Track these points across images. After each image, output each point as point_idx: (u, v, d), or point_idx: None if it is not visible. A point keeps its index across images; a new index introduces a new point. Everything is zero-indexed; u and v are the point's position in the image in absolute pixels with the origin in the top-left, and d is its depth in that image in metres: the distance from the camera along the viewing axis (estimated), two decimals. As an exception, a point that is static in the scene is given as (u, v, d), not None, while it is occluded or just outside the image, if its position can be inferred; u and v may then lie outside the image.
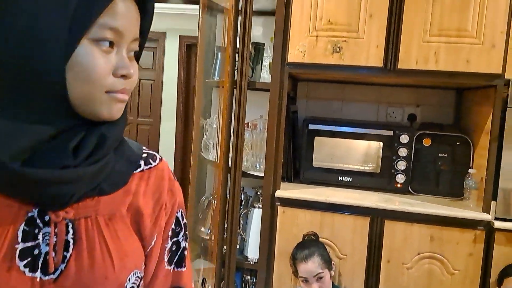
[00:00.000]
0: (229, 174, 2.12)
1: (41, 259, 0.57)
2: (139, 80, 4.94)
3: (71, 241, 0.58)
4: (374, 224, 1.91)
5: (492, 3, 1.78)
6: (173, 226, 0.72)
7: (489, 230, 1.81)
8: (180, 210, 0.74)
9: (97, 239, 0.60)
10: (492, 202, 1.82)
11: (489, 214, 1.81)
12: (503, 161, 1.80)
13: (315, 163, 2.19)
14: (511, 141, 1.78)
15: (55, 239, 0.57)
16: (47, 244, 0.57)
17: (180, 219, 0.74)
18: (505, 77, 1.80)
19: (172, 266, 0.72)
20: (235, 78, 2.05)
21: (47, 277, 0.56)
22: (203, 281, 2.41)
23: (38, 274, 0.56)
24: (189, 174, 2.53)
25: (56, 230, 0.57)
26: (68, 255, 0.58)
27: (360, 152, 2.17)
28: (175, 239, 0.73)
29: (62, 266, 0.57)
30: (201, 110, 2.51)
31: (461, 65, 1.81)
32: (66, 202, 0.57)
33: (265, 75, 2.19)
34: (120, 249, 0.61)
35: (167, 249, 0.71)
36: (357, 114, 2.40)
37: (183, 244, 0.74)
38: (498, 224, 1.79)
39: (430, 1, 1.82)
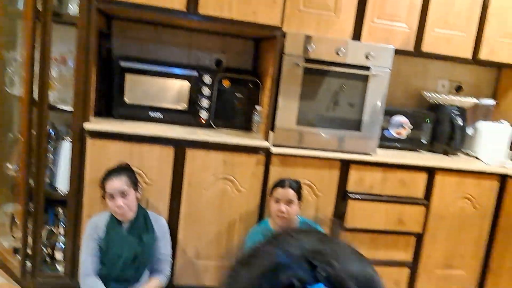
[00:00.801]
0: (34, 108, 2.09)
1: None
2: None
3: None
4: (177, 153, 2.18)
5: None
6: None
7: (268, 155, 2.26)
8: None
9: None
10: (270, 132, 2.26)
11: (268, 142, 2.25)
12: (280, 99, 2.23)
13: (127, 100, 2.32)
14: (286, 83, 2.21)
15: None
16: None
17: None
18: (283, 29, 2.20)
19: None
20: (39, 8, 1.99)
21: None
22: (12, 220, 2.37)
23: None
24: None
25: None
26: None
27: (170, 91, 2.38)
28: None
29: None
30: (3, 42, 2.34)
31: (250, 15, 2.13)
32: None
33: (75, 8, 2.16)
34: None
35: None
36: (170, 56, 2.58)
37: None
38: (274, 150, 2.24)
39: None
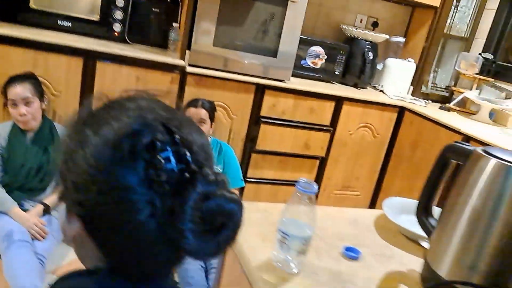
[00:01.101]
0: None
1: None
2: None
3: None
4: (87, 65, 2.11)
5: None
6: None
7: (183, 74, 2.26)
8: None
9: None
10: (187, 51, 2.24)
11: (184, 61, 2.24)
12: (197, 18, 2.19)
13: (33, 5, 2.15)
14: (204, 2, 2.17)
15: None
16: None
17: None
18: None
19: None
20: None
21: None
22: None
23: None
24: None
25: None
26: None
27: (85, 1, 2.23)
28: None
29: None
30: None
31: None
32: None
33: None
34: None
35: None
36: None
37: None
38: (189, 69, 2.24)
39: None
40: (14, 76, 1.87)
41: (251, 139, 2.48)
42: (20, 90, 1.83)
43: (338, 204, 2.83)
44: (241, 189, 2.39)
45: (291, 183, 2.63)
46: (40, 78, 2.01)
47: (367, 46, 2.74)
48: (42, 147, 1.94)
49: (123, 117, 0.50)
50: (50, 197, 2.01)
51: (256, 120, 2.45)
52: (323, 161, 2.67)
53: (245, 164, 2.51)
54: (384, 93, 2.82)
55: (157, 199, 0.46)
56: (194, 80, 2.28)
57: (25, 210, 1.91)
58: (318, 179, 2.70)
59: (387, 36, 2.81)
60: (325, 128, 2.58)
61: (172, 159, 0.46)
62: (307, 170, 2.66)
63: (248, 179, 2.53)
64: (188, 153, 0.47)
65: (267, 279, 0.73)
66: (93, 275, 0.52)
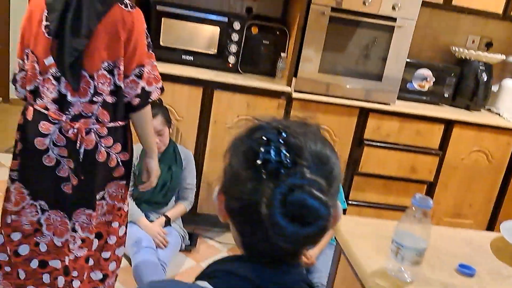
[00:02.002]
0: None
1: None
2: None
3: None
4: (205, 93, 2.37)
5: None
6: None
7: (289, 99, 2.40)
8: None
9: None
10: (293, 78, 2.39)
11: (290, 87, 2.39)
12: (304, 47, 2.33)
13: (162, 43, 2.49)
14: (311, 31, 2.31)
15: None
16: None
17: None
18: (312, -20, 2.26)
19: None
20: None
21: None
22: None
23: None
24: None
25: None
26: None
27: (202, 36, 2.53)
28: None
29: None
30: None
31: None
32: None
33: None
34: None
35: None
36: (205, 2, 2.70)
37: None
38: (295, 95, 2.38)
39: None
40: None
41: (353, 161, 2.50)
42: (155, 124, 2.06)
43: (448, 233, 2.68)
44: (343, 211, 2.41)
45: (396, 208, 2.58)
46: (167, 106, 2.31)
47: (481, 68, 2.61)
48: (167, 165, 2.21)
49: (252, 125, 0.65)
50: (171, 210, 2.27)
51: (359, 142, 2.48)
52: (431, 186, 2.57)
53: (347, 186, 2.53)
54: (500, 116, 2.64)
55: (257, 181, 0.57)
56: (299, 105, 2.40)
57: (150, 221, 2.19)
58: (426, 205, 2.59)
59: (503, 57, 2.65)
60: (433, 151, 2.50)
61: (272, 152, 0.57)
62: (413, 194, 2.57)
63: (350, 202, 2.54)
64: (284, 151, 0.57)
65: (382, 285, 0.78)
66: (238, 260, 0.64)
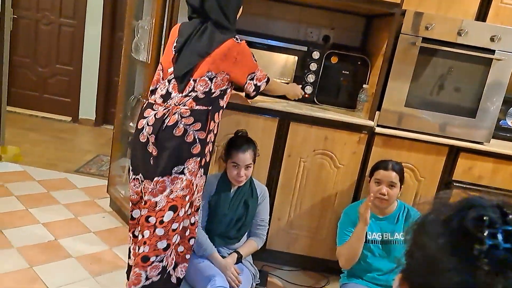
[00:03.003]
0: (158, 74, 2.29)
1: None
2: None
3: None
4: (281, 125, 2.26)
5: None
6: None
7: (371, 134, 2.24)
8: None
9: None
10: (377, 112, 2.23)
11: (373, 121, 2.23)
12: (390, 79, 2.18)
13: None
14: (399, 63, 2.16)
15: None
16: None
17: None
18: (403, 7, 2.12)
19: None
20: (168, -19, 2.16)
21: None
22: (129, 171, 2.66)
23: None
24: (116, 77, 2.62)
25: None
26: None
27: (279, 65, 2.45)
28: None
29: None
30: (133, 11, 2.58)
31: (367, -9, 2.09)
32: None
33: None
34: None
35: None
36: (280, 31, 2.64)
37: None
38: (378, 130, 2.22)
39: None
40: (241, 141, 2.06)
41: (440, 204, 2.28)
42: (246, 158, 2.02)
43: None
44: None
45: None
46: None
47: None
48: (243, 200, 2.10)
49: (465, 199, 0.53)
50: (243, 247, 2.15)
51: (447, 184, 2.26)
52: (529, 237, 2.28)
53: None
54: None
55: (470, 272, 0.44)
56: (382, 140, 2.24)
57: (222, 257, 2.07)
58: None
59: None
60: (533, 198, 2.23)
61: (500, 236, 0.45)
62: None
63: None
64: None
65: None
66: None
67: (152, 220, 1.71)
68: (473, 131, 2.21)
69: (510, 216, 0.47)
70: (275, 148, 2.29)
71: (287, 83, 2.40)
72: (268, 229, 2.30)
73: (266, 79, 1.97)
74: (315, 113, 2.24)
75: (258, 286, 2.20)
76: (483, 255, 0.45)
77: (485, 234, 0.46)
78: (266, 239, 2.33)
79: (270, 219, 2.31)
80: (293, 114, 2.24)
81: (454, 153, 2.23)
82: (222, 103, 1.87)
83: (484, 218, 0.47)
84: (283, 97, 2.40)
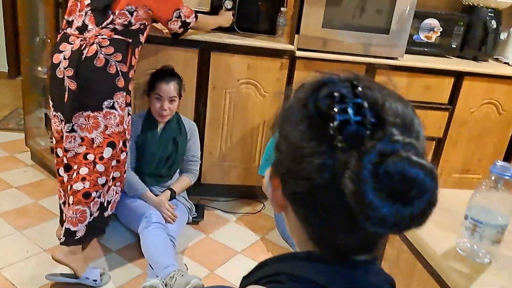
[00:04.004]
0: (60, 10, 2.09)
1: None
2: None
3: None
4: (202, 56, 2.19)
5: None
6: None
7: (292, 58, 2.24)
8: None
9: None
10: (296, 35, 2.21)
11: (293, 45, 2.22)
12: (305, 1, 2.14)
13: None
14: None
15: None
16: None
17: None
18: None
19: None
20: None
21: None
22: (46, 121, 2.49)
23: None
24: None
25: None
26: None
27: (193, -7, 2.31)
28: None
29: None
30: None
31: None
32: None
33: None
34: None
35: None
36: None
37: None
38: (299, 53, 2.22)
39: None
40: (165, 72, 2.00)
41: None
42: (170, 89, 1.96)
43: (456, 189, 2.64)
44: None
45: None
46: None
47: (489, 14, 2.47)
48: (171, 137, 2.07)
49: (312, 81, 0.51)
50: (176, 183, 2.15)
51: (366, 101, 2.36)
52: (440, 143, 2.50)
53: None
54: (510, 65, 2.54)
55: (329, 153, 0.44)
56: (303, 64, 2.25)
57: (155, 195, 2.07)
58: (435, 162, 2.53)
59: (513, 1, 2.51)
60: (443, 106, 2.40)
61: (350, 110, 0.44)
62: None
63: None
64: (367, 106, 0.44)
65: (459, 269, 0.68)
66: (306, 259, 0.52)
67: (91, 157, 1.70)
68: (388, 48, 2.29)
69: (360, 88, 0.45)
70: (198, 81, 2.23)
71: (207, 13, 2.29)
72: (201, 164, 2.31)
73: (194, 15, 1.94)
74: (235, 41, 2.18)
75: (196, 219, 2.24)
76: (337, 132, 0.44)
77: (335, 110, 0.44)
78: (200, 173, 2.34)
79: (202, 154, 2.32)
80: (213, 43, 2.17)
81: (372, 70, 2.30)
82: (142, 38, 1.81)
83: (335, 94, 0.45)
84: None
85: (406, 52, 2.39)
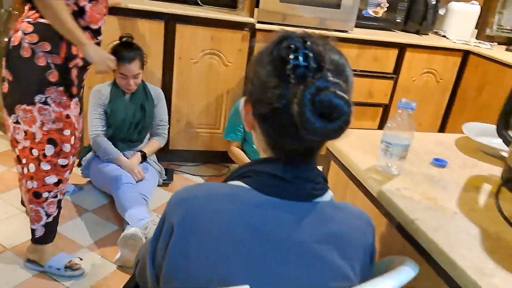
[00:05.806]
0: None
1: None
2: None
3: None
4: (167, 27, 2.32)
5: None
6: None
7: (253, 31, 2.42)
8: None
9: None
10: (256, 8, 2.39)
11: (253, 18, 2.39)
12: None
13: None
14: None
15: None
16: None
17: None
18: None
19: None
20: None
21: None
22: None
23: None
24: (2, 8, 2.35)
25: None
26: None
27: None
28: None
29: None
30: None
31: None
32: None
33: None
34: None
35: None
36: None
37: None
38: (259, 26, 2.39)
39: None
40: (125, 52, 2.05)
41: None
42: (133, 68, 2.06)
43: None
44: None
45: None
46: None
47: (429, -9, 2.74)
48: (139, 104, 2.20)
49: (278, 36, 0.71)
50: (147, 147, 2.31)
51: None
52: (386, 109, 2.77)
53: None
54: (447, 38, 2.83)
55: (285, 86, 0.64)
56: (263, 36, 2.43)
57: (127, 158, 2.22)
58: (382, 127, 2.81)
59: (450, -20, 2.79)
60: (388, 75, 2.67)
61: (300, 58, 0.64)
62: (371, 117, 2.78)
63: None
64: (312, 56, 0.64)
65: (375, 178, 0.91)
66: (267, 161, 0.73)
67: (35, 152, 1.58)
68: (339, 21, 2.51)
69: (308, 43, 0.66)
70: (165, 52, 2.37)
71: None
72: (169, 129, 2.47)
73: None
74: (199, 13, 2.32)
75: (166, 181, 2.42)
76: (291, 72, 0.64)
77: (291, 57, 0.64)
78: (168, 140, 2.50)
79: (169, 121, 2.47)
80: (178, 15, 2.30)
81: (325, 42, 2.51)
82: (83, 22, 1.54)
83: (291, 46, 0.66)
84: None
85: (356, 26, 2.63)
